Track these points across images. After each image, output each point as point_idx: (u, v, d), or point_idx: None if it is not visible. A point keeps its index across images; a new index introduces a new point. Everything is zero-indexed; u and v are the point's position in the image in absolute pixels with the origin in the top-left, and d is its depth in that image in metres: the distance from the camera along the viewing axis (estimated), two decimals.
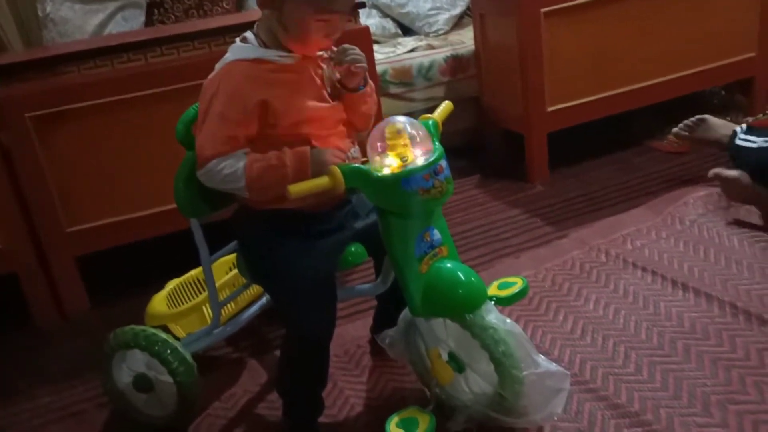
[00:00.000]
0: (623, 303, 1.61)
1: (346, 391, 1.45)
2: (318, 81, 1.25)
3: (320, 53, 1.26)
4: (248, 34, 1.24)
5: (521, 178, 2.41)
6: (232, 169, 1.17)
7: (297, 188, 1.11)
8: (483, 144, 2.68)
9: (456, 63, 2.66)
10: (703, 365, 1.37)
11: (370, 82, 1.31)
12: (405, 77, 2.61)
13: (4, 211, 1.85)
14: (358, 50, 1.24)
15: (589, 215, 2.08)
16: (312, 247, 1.23)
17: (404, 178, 1.13)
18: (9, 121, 1.80)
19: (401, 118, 1.17)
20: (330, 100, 1.26)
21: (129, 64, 1.88)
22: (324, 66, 1.27)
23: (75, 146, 1.87)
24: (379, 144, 1.15)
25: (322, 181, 1.12)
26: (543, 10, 2.24)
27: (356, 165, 1.16)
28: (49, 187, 1.87)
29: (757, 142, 1.94)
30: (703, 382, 1.33)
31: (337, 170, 1.12)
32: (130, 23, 2.77)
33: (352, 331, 1.65)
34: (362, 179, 1.14)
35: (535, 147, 2.37)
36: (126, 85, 1.85)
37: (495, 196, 2.35)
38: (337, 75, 1.27)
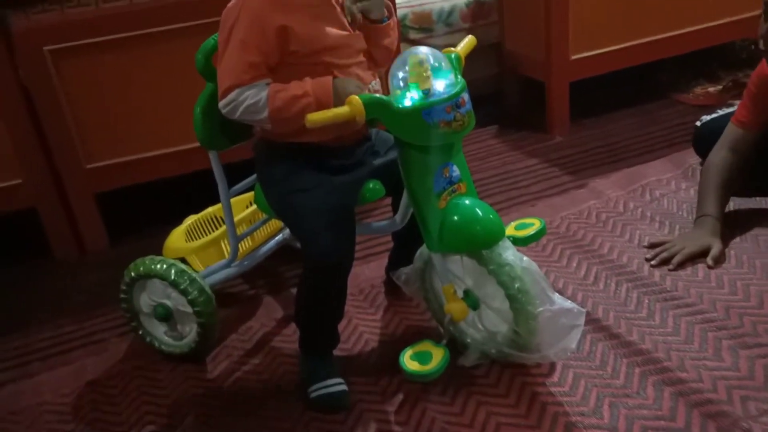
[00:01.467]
0: (638, 252, 1.61)
1: (360, 328, 1.47)
2: (338, 9, 1.24)
3: None
4: None
5: (541, 128, 2.39)
6: (254, 99, 1.16)
7: (316, 117, 1.10)
8: (503, 93, 2.64)
9: (477, 8, 2.60)
10: (715, 311, 1.37)
11: (394, 16, 1.29)
12: (425, 22, 2.56)
13: (23, 147, 1.86)
14: None
15: (609, 166, 2.06)
16: (330, 179, 1.23)
17: (425, 110, 1.12)
18: (27, 54, 1.79)
19: (424, 49, 1.15)
20: (350, 29, 1.24)
21: None
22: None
23: (93, 82, 1.87)
24: (400, 74, 1.14)
25: (342, 111, 1.11)
26: None
27: (377, 95, 1.15)
28: (68, 123, 1.87)
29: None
30: (715, 327, 1.33)
31: (357, 99, 1.10)
32: None
33: (367, 272, 1.67)
34: (383, 110, 1.13)
35: (556, 96, 2.34)
36: (145, 19, 1.84)
37: (513, 146, 2.33)
38: (359, 5, 1.25)
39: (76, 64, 1.83)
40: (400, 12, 2.46)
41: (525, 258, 1.20)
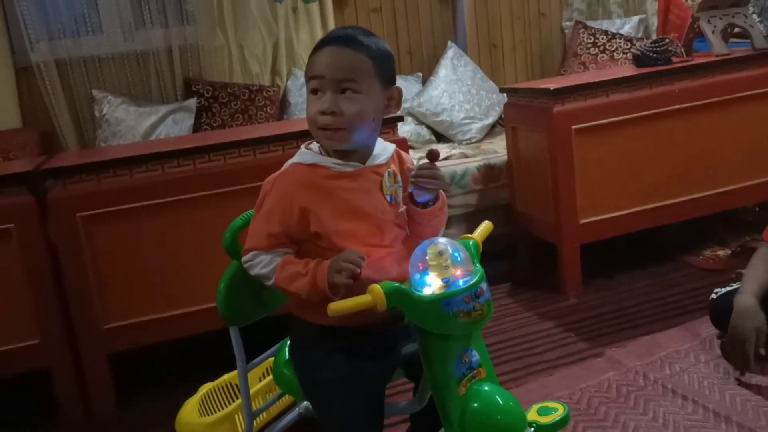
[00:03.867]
0: None
1: None
2: (374, 191, 1.24)
3: (382, 163, 1.25)
4: (313, 143, 1.28)
5: (553, 289, 2.41)
6: (265, 264, 1.21)
7: (337, 306, 1.12)
8: (514, 251, 2.69)
9: (488, 172, 2.73)
10: None
11: (443, 195, 1.30)
12: None
13: (43, 307, 1.89)
14: (437, 172, 1.23)
15: (625, 333, 2.05)
16: (362, 369, 1.22)
17: (444, 300, 1.14)
18: (59, 220, 1.88)
19: (443, 240, 1.19)
20: (385, 215, 1.24)
21: (179, 168, 1.97)
22: (384, 175, 1.25)
23: (119, 244, 1.94)
24: (420, 264, 1.17)
25: (364, 300, 1.13)
26: (574, 127, 2.31)
27: (397, 284, 1.17)
28: (90, 283, 1.92)
29: None
30: None
31: (378, 289, 1.12)
32: (180, 126, 2.92)
33: None
34: (403, 299, 1.15)
35: (568, 258, 2.38)
36: (174, 188, 1.94)
37: (527, 306, 2.34)
38: (398, 191, 1.26)
39: (104, 229, 1.92)
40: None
41: None
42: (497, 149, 2.88)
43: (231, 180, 1.97)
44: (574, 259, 2.38)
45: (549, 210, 2.41)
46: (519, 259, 2.68)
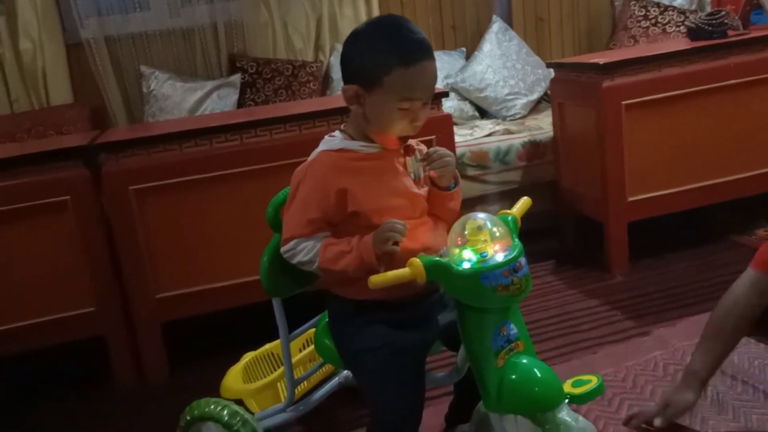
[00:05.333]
0: (710, 412, 1.53)
1: None
2: (401, 169, 1.29)
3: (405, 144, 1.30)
4: (336, 131, 1.32)
5: (599, 267, 2.37)
6: (308, 249, 1.24)
7: (378, 279, 1.14)
8: (558, 228, 2.66)
9: (533, 148, 2.69)
10: None
11: (458, 178, 1.35)
12: (482, 160, 2.66)
13: (99, 276, 1.98)
14: (447, 153, 1.28)
15: (672, 312, 2.01)
16: (400, 337, 1.25)
17: (483, 274, 1.14)
18: (113, 192, 1.95)
19: (482, 215, 1.20)
20: (414, 189, 1.29)
21: (226, 143, 2.02)
22: (408, 156, 1.31)
23: (170, 217, 2.00)
24: (459, 239, 1.18)
25: (403, 273, 1.15)
26: (624, 102, 2.25)
27: (437, 258, 1.18)
28: (142, 254, 1.99)
29: None
30: None
31: (418, 262, 1.15)
32: (224, 101, 2.97)
33: (426, 419, 1.55)
34: (442, 272, 1.16)
35: (615, 236, 2.34)
36: (222, 162, 1.99)
37: (572, 284, 2.32)
38: (427, 172, 1.30)
39: (155, 202, 1.98)
40: (458, 150, 2.57)
41: (581, 418, 1.17)
42: (542, 126, 2.84)
43: (276, 155, 2.00)
44: (621, 237, 2.34)
45: (596, 187, 2.37)
46: (564, 236, 2.65)
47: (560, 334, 1.98)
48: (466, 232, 1.17)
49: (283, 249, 1.28)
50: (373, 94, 1.21)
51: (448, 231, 1.35)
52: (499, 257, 1.16)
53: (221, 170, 1.99)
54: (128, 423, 1.84)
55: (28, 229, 1.92)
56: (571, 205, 2.57)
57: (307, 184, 1.25)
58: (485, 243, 1.17)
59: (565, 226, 2.65)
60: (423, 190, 1.31)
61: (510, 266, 1.15)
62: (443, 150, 1.29)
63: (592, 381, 1.29)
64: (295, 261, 1.27)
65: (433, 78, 1.24)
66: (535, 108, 3.23)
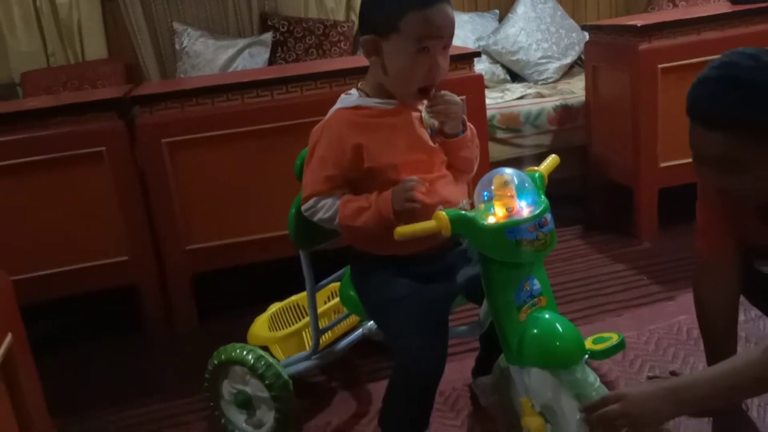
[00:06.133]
0: None
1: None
2: (417, 124, 1.29)
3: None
4: (353, 89, 1.33)
5: (627, 233, 2.36)
6: (328, 207, 1.26)
7: (403, 230, 1.16)
8: (587, 194, 2.64)
9: (565, 112, 2.66)
10: None
11: (471, 127, 1.34)
12: (513, 123, 2.64)
13: (133, 226, 2.03)
14: (452, 96, 1.27)
15: None
16: (423, 289, 1.27)
17: (509, 228, 1.15)
18: (147, 145, 1.99)
19: (508, 170, 1.20)
20: (431, 143, 1.29)
21: (257, 99, 2.03)
22: (423, 111, 1.31)
23: (201, 171, 2.03)
24: (486, 192, 1.19)
25: (429, 225, 1.16)
26: (660, 66, 2.21)
27: (463, 212, 1.19)
28: (175, 206, 2.03)
29: None
30: None
31: (444, 215, 1.16)
32: (256, 59, 2.98)
33: (448, 373, 1.62)
34: (468, 226, 1.17)
35: (645, 202, 2.32)
36: (254, 118, 2.01)
37: (599, 249, 2.31)
38: (435, 122, 1.31)
39: (188, 155, 2.01)
40: (488, 112, 2.55)
41: (599, 382, 1.18)
42: (574, 90, 2.79)
43: (307, 111, 2.01)
44: (650, 203, 2.32)
45: (627, 152, 2.33)
46: (592, 202, 2.63)
47: (584, 297, 1.98)
48: (492, 187, 1.18)
49: (303, 207, 1.30)
50: (390, 40, 1.21)
51: (468, 184, 1.36)
52: (525, 212, 1.17)
53: (252, 125, 2.01)
54: (159, 367, 1.92)
55: (66, 179, 1.97)
56: (601, 170, 2.54)
57: (323, 143, 1.27)
58: (511, 198, 1.17)
59: (594, 191, 2.63)
60: (440, 143, 1.31)
61: (535, 221, 1.16)
62: (449, 96, 1.27)
63: (613, 338, 1.30)
64: (315, 219, 1.29)
65: (450, 21, 1.22)
66: (567, 72, 3.18)
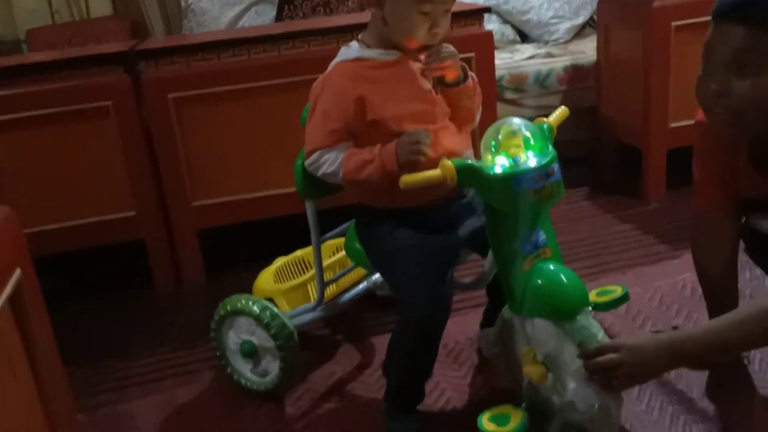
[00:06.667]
0: None
1: (442, 384, 1.48)
2: (418, 76, 1.28)
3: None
4: (353, 42, 1.31)
5: (634, 194, 2.35)
6: (332, 161, 1.26)
7: (408, 179, 1.16)
8: (596, 156, 2.62)
9: (575, 72, 2.62)
10: None
11: (473, 76, 1.32)
12: (520, 84, 2.61)
13: (139, 182, 2.03)
14: (449, 47, 1.26)
15: None
16: (428, 239, 1.27)
17: (516, 178, 1.14)
18: (152, 99, 1.97)
19: (516, 120, 1.19)
20: (433, 94, 1.28)
21: (264, 54, 2.01)
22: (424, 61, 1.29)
23: (207, 127, 2.02)
24: (493, 142, 1.18)
25: (434, 174, 1.16)
26: (674, 23, 2.17)
27: (469, 161, 1.19)
28: (180, 162, 2.03)
29: None
30: None
31: (449, 164, 1.15)
32: (262, 17, 2.95)
33: (451, 328, 1.64)
34: (474, 176, 1.17)
35: (653, 163, 2.30)
36: (260, 73, 1.99)
37: (606, 209, 2.30)
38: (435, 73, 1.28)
39: (193, 110, 2.00)
40: (497, 73, 2.51)
41: (602, 333, 1.19)
42: (585, 50, 2.75)
43: (314, 67, 1.93)
44: (659, 164, 2.30)
45: (637, 112, 2.31)
46: (600, 164, 2.61)
47: (590, 255, 1.98)
48: (500, 136, 1.17)
49: (307, 162, 1.29)
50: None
51: (471, 135, 1.35)
52: (532, 162, 1.16)
53: (259, 81, 2.00)
54: (166, 320, 1.94)
55: (72, 133, 1.96)
56: (610, 131, 2.52)
57: (325, 96, 1.26)
58: (518, 148, 1.16)
59: (602, 153, 2.60)
60: (441, 94, 1.30)
61: (542, 171, 1.15)
62: (444, 50, 1.25)
63: (617, 291, 1.32)
64: (319, 173, 1.28)
65: None
66: (579, 33, 3.12)
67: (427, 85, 1.28)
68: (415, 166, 1.19)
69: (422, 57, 1.28)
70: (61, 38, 2.77)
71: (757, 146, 1.24)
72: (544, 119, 1.28)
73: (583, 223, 2.21)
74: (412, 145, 1.19)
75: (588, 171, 2.58)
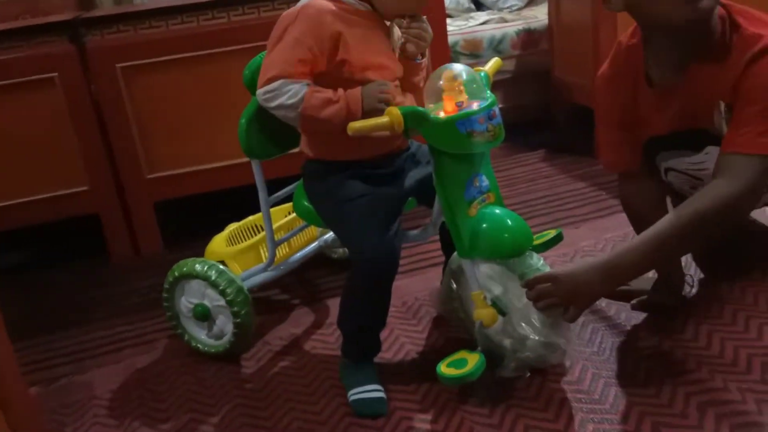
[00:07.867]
0: None
1: (401, 338, 1.50)
2: (384, 34, 1.30)
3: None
4: None
5: (589, 154, 2.38)
6: (294, 93, 1.20)
7: (357, 125, 1.16)
8: (550, 119, 2.66)
9: (528, 37, 2.65)
10: None
11: (426, 61, 1.37)
12: (475, 49, 2.62)
13: (91, 156, 2.00)
14: (427, 26, 1.29)
15: None
16: (375, 190, 1.29)
17: (460, 121, 1.16)
18: (100, 70, 1.94)
19: (458, 66, 1.20)
20: (396, 56, 1.31)
21: (213, 21, 1.99)
22: (395, 27, 1.31)
23: (158, 98, 2.00)
24: (436, 87, 1.19)
25: (382, 120, 1.16)
26: None
27: (414, 107, 1.19)
28: (133, 135, 2.00)
29: None
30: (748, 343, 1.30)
31: (396, 111, 1.16)
32: None
33: (410, 285, 1.70)
34: (420, 120, 1.18)
35: None
36: (209, 40, 1.97)
37: (562, 169, 2.34)
38: (402, 40, 1.31)
39: (144, 81, 1.97)
40: (451, 39, 2.53)
41: (548, 267, 1.23)
42: (538, 15, 2.78)
43: (264, 33, 1.91)
44: None
45: (588, 73, 2.33)
46: (556, 126, 2.64)
47: (546, 213, 2.02)
48: (441, 82, 1.18)
49: (264, 89, 1.21)
50: None
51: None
52: (474, 105, 1.17)
53: (208, 49, 1.98)
54: (123, 292, 1.92)
55: (19, 107, 1.93)
56: (563, 93, 2.55)
57: (298, 26, 1.21)
58: (460, 92, 1.17)
59: (557, 115, 2.64)
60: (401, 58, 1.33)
61: (485, 113, 1.17)
62: (426, 24, 1.30)
63: (551, 233, 1.37)
64: (275, 103, 1.21)
65: None
66: (532, 0, 3.15)
67: (391, 46, 1.31)
68: (377, 115, 1.18)
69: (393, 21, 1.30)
70: (9, 14, 2.69)
71: (654, 56, 1.26)
72: (481, 68, 1.30)
73: (541, 183, 2.24)
74: (381, 94, 1.21)
75: (545, 134, 2.61)
